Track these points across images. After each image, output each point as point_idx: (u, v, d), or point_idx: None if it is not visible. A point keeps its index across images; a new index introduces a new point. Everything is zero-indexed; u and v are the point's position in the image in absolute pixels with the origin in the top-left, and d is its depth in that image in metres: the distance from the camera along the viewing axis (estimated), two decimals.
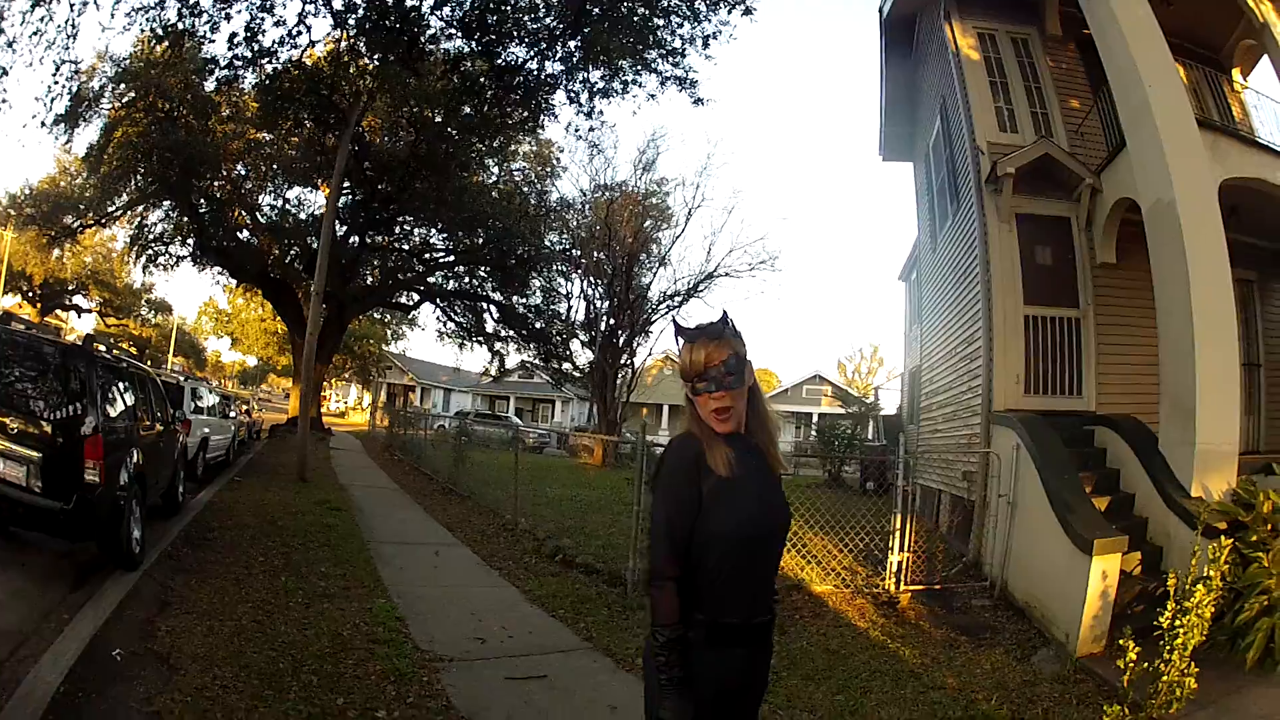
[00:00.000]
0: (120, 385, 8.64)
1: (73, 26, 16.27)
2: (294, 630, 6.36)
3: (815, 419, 51.13)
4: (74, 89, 22.14)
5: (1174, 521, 8.28)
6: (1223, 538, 6.04)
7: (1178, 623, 5.34)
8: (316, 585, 7.91)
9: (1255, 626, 6.49)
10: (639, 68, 18.32)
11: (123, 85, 25.68)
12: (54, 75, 17.43)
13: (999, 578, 9.47)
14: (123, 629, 5.75)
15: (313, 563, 8.88)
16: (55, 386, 7.35)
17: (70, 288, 54.30)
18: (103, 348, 8.68)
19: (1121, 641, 5.35)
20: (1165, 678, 5.33)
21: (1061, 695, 6.42)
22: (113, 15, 36.31)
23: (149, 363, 51.43)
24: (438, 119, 24.75)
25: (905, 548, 9.37)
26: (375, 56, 19.31)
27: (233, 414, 21.21)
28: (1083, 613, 7.24)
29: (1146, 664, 5.40)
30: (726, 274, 33.12)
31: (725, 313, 2.61)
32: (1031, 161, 11.32)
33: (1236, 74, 12.92)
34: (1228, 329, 8.77)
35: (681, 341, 2.55)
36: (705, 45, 18.17)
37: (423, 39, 18.35)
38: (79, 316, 57.49)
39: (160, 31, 17.23)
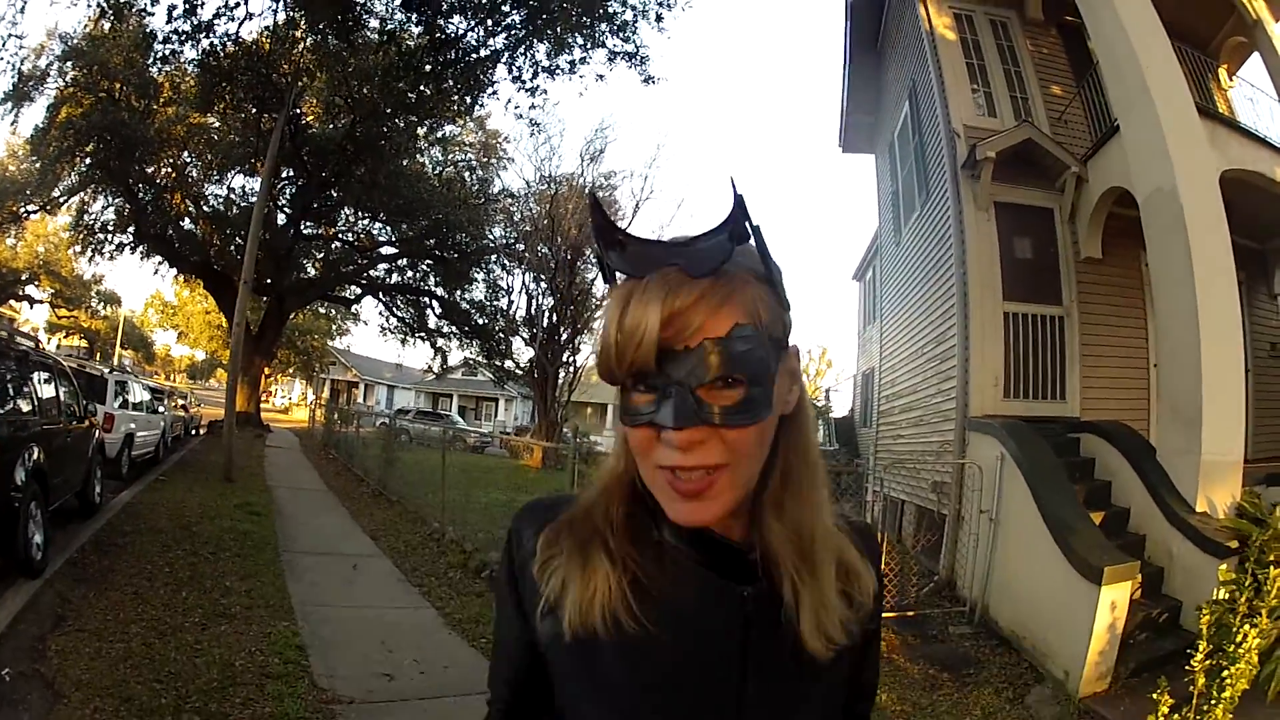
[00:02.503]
0: (22, 375, 8.13)
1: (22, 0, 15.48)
2: (184, 658, 5.72)
3: None
4: (20, 65, 21.93)
5: (1177, 539, 7.53)
6: (1273, 568, 5.17)
7: (1225, 673, 4.44)
8: (218, 603, 7.21)
9: (1276, 655, 5.76)
10: (587, 42, 17.57)
11: (69, 64, 24.98)
12: (1, 50, 16.59)
13: (979, 602, 8.61)
14: (15, 645, 5.46)
15: (219, 575, 8.17)
16: None
17: (23, 277, 52.69)
18: (3, 334, 8.15)
19: (1155, 695, 4.43)
20: None
21: None
22: None
23: (98, 356, 50.31)
24: (375, 96, 24.01)
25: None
26: (312, 28, 18.48)
27: (163, 409, 20.27)
28: (1087, 649, 6.41)
29: (1177, 716, 4.52)
30: None
31: (739, 196, 0.90)
32: (1013, 146, 10.57)
33: (1223, 72, 12.38)
34: (1233, 328, 8.12)
35: (618, 266, 0.95)
36: (658, 19, 17.43)
37: (359, 8, 17.49)
38: (31, 307, 56.32)
39: (104, 5, 16.65)
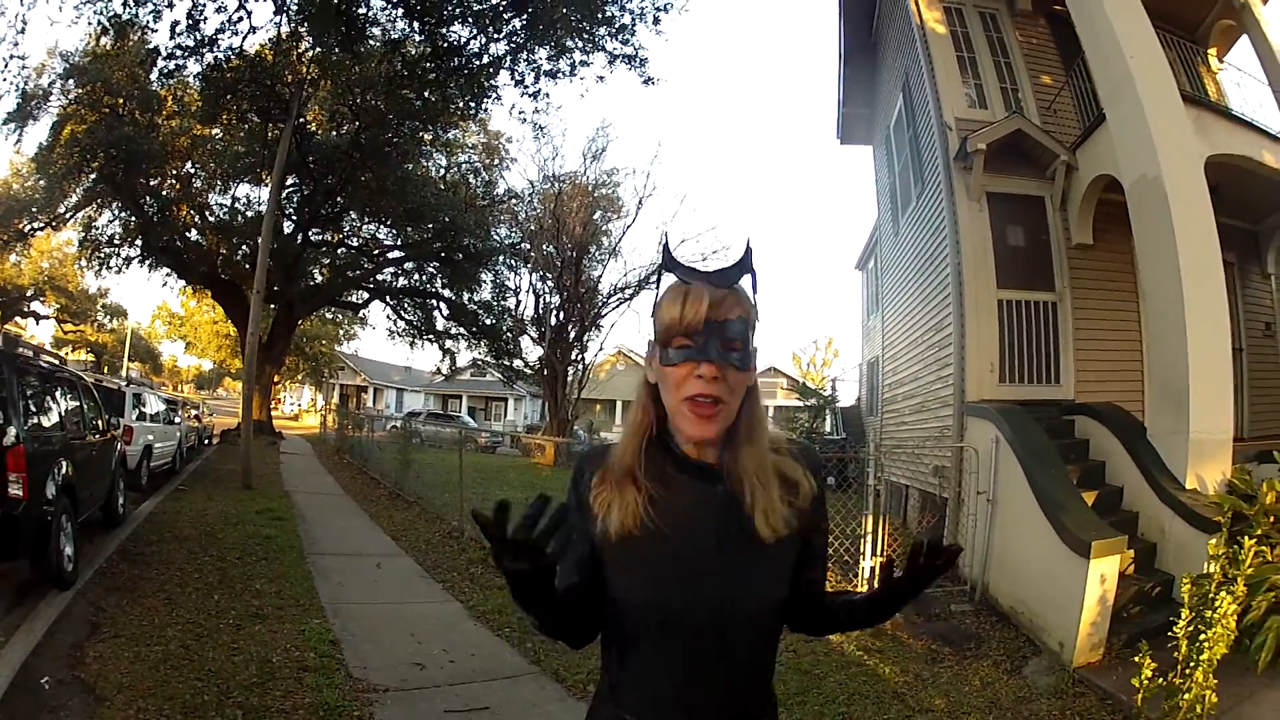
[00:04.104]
0: (48, 391, 8.24)
1: (22, 21, 15.68)
2: (222, 656, 5.90)
3: (771, 412, 50.83)
4: (22, 85, 21.73)
5: (1168, 516, 7.80)
6: (1246, 538, 5.42)
7: (1202, 637, 4.71)
8: (250, 604, 7.39)
9: (1265, 626, 6.00)
10: (587, 46, 17.79)
11: (71, 81, 25.10)
12: (2, 72, 16.79)
13: (979, 581, 8.85)
14: (52, 655, 5.57)
15: (248, 578, 8.34)
16: None
17: (28, 294, 52.80)
18: (27, 351, 8.18)
19: (1138, 659, 4.72)
20: (1188, 694, 4.71)
21: (1062, 712, 5.83)
22: (60, 8, 35.43)
23: (106, 369, 50.50)
24: (380, 105, 24.09)
25: (879, 552, 8.72)
26: (316, 40, 18.66)
27: (179, 420, 20.48)
28: (1079, 620, 6.64)
29: (1161, 679, 4.79)
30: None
31: (749, 248, 1.69)
32: (1003, 137, 10.78)
33: (1212, 55, 12.48)
34: (1219, 310, 8.31)
35: (671, 282, 1.70)
36: (656, 21, 17.71)
37: (362, 20, 17.68)
38: (37, 323, 56.14)
39: (106, 23, 16.81)
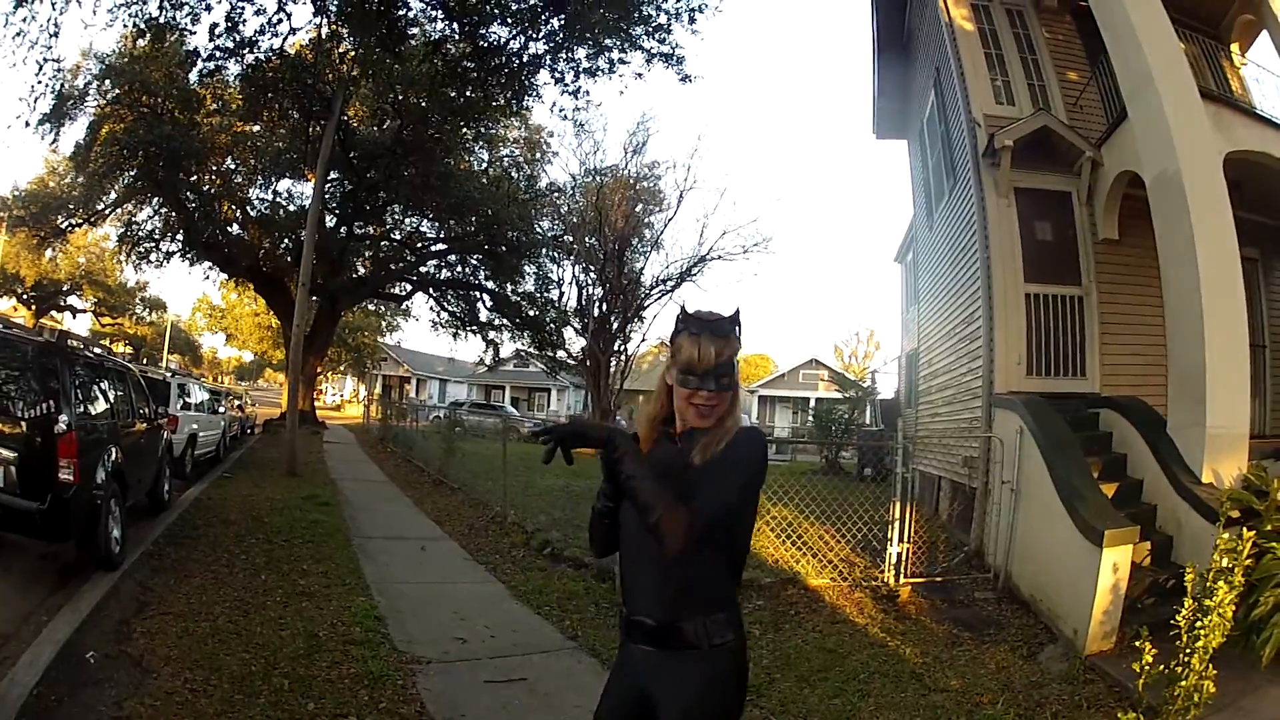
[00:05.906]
0: (98, 381, 8.51)
1: (55, 25, 16.00)
2: (270, 631, 6.21)
3: (812, 404, 50.98)
4: (58, 88, 22.00)
5: (1184, 509, 7.94)
6: (1245, 529, 5.63)
7: (1199, 623, 4.94)
8: (297, 583, 7.74)
9: (1271, 622, 6.10)
10: (624, 45, 18.03)
11: (107, 82, 25.43)
12: (37, 75, 17.18)
13: (1002, 568, 9.07)
14: (98, 631, 5.71)
15: (295, 560, 8.70)
16: (29, 384, 7.17)
17: (64, 288, 53.84)
18: (78, 344, 8.53)
19: (1138, 644, 4.95)
20: (1184, 682, 4.94)
21: (1071, 697, 6.07)
22: (95, 11, 35.82)
23: (145, 361, 51.60)
24: (422, 103, 24.40)
25: (905, 538, 8.97)
26: (357, 41, 18.98)
27: (222, 409, 20.90)
28: (1092, 608, 6.86)
29: (1163, 666, 5.02)
30: (719, 257, 32.97)
31: (738, 311, 2.59)
32: (1030, 134, 10.94)
33: (1235, 50, 12.44)
34: (1237, 306, 8.38)
35: (686, 330, 2.52)
36: (691, 20, 17.96)
37: (403, 22, 18.00)
38: (74, 317, 57.10)
39: (142, 26, 17.02)
